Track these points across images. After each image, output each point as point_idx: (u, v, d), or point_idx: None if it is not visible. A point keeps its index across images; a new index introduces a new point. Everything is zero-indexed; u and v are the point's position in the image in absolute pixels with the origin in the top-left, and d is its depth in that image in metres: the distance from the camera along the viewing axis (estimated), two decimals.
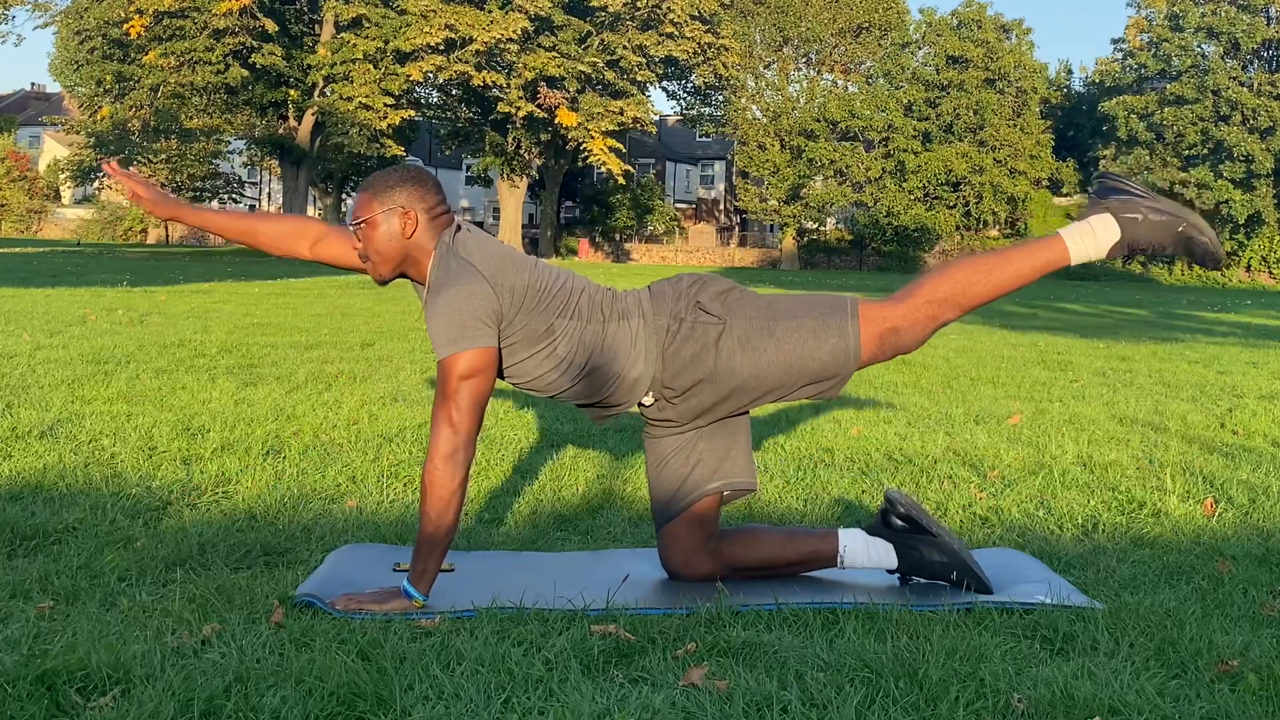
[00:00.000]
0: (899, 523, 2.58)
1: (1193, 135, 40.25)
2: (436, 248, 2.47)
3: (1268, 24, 40.95)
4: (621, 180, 38.50)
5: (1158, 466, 3.98)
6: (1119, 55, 44.97)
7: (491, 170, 43.12)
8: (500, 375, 2.51)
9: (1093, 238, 2.49)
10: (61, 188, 55.63)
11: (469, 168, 51.75)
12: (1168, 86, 41.32)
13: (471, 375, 2.36)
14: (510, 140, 39.63)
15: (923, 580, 2.58)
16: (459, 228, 2.52)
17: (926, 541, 2.55)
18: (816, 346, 2.47)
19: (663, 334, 2.49)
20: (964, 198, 43.29)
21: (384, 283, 2.55)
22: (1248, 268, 41.76)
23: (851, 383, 6.32)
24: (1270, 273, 41.64)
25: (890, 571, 2.60)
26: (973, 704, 1.84)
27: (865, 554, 2.59)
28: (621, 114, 36.53)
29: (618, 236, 50.74)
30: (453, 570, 2.63)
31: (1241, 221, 40.21)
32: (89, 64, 35.74)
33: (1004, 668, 1.97)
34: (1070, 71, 52.14)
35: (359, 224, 2.48)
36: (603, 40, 36.79)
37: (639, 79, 37.77)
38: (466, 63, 34.45)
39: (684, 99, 45.72)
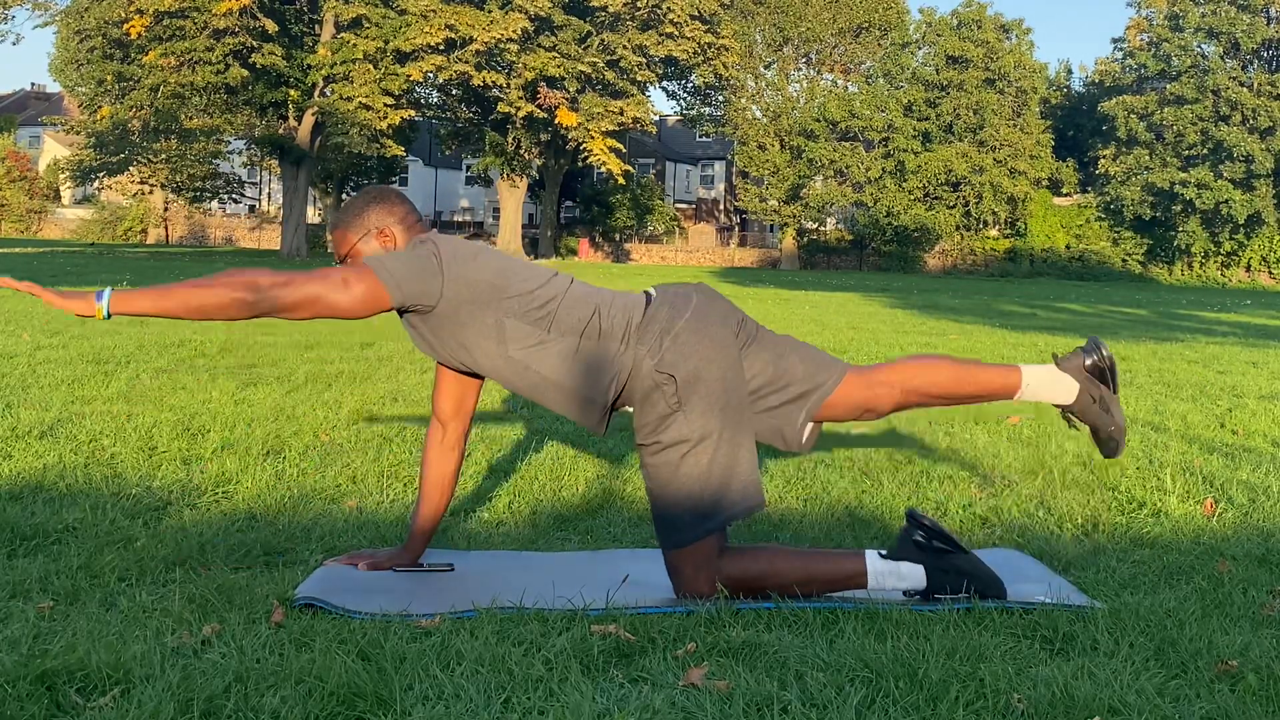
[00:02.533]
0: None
1: (1193, 135, 40.22)
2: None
3: (1268, 24, 40.93)
4: (621, 180, 38.49)
5: (1157, 467, 3.97)
6: (1119, 55, 44.98)
7: (491, 170, 43.12)
8: (484, 375, 2.52)
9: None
10: (61, 188, 55.63)
11: (469, 168, 51.78)
12: (1168, 86, 41.30)
13: (359, 284, 2.35)
14: (510, 140, 39.62)
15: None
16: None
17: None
18: (679, 503, 2.41)
19: (640, 362, 2.42)
20: (964, 198, 43.27)
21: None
22: (1248, 268, 41.74)
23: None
24: (1270, 273, 41.62)
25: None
26: (973, 704, 1.83)
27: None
28: (621, 114, 36.51)
29: (618, 236, 50.72)
30: (452, 569, 2.63)
31: (1241, 221, 40.18)
32: (89, 64, 35.78)
33: (1004, 668, 1.96)
34: (1070, 71, 52.20)
35: (344, 261, 2.53)
36: (603, 40, 36.78)
37: (639, 79, 37.75)
38: (466, 63, 34.44)
39: (684, 99, 45.74)
